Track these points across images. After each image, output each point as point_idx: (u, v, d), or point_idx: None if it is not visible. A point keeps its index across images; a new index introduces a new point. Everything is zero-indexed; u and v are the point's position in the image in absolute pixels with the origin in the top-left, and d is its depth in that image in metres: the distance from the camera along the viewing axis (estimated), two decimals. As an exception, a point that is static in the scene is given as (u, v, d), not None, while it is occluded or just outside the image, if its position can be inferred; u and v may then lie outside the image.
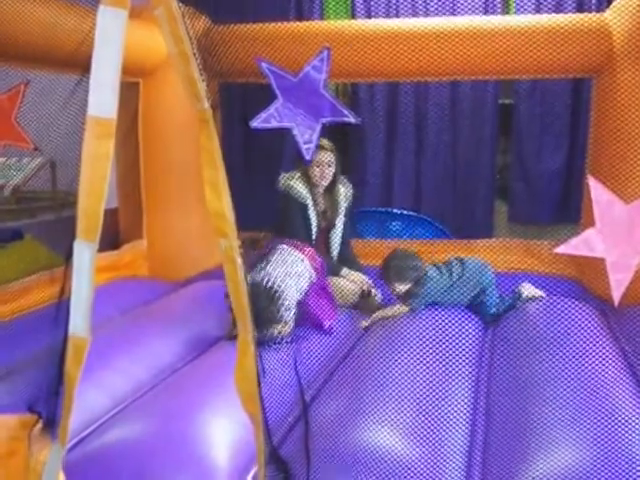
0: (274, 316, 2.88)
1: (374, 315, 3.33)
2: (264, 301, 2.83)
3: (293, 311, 2.99)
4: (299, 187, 3.77)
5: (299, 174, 3.79)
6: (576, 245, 1.27)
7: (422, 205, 5.27)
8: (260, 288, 2.88)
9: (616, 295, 1.25)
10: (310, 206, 3.79)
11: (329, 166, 3.78)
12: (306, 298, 3.17)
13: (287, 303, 2.96)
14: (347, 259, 3.94)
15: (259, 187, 4.14)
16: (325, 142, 3.76)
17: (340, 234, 3.94)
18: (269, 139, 4.78)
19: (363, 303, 3.61)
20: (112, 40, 1.38)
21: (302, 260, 3.22)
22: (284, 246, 3.24)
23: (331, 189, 3.88)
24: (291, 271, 3.08)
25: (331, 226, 3.91)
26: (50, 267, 1.76)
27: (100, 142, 1.42)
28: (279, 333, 2.89)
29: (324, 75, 1.40)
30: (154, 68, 4.13)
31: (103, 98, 1.40)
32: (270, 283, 2.91)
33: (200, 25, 1.45)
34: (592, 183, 1.25)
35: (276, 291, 2.94)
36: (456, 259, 3.48)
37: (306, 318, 3.13)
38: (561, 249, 1.27)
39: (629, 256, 1.24)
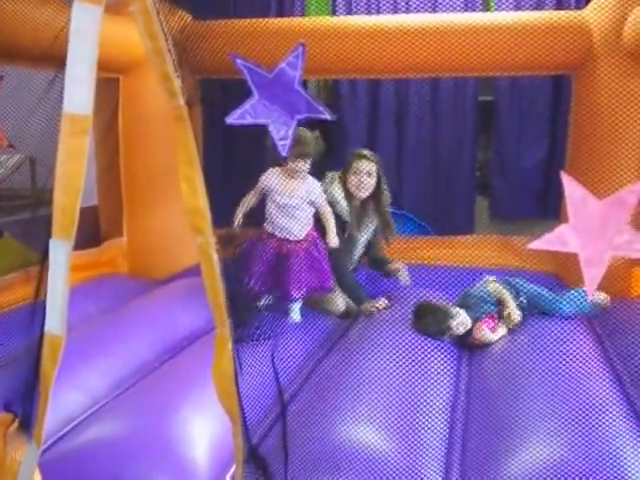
0: None
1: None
2: None
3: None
4: (339, 197, 3.57)
5: (338, 179, 3.62)
6: (550, 240, 1.28)
7: (403, 201, 5.28)
8: None
9: (589, 290, 1.26)
10: (345, 218, 3.59)
11: (368, 176, 3.59)
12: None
13: None
14: (376, 259, 3.89)
15: (239, 184, 4.13)
16: (367, 152, 3.65)
17: (364, 243, 3.81)
18: (250, 136, 4.76)
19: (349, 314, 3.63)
20: (87, 36, 1.37)
21: None
22: None
23: (374, 201, 3.70)
24: None
25: (358, 235, 3.75)
26: (26, 266, 1.74)
27: (75, 139, 1.40)
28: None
29: (299, 71, 1.39)
30: (134, 64, 4.10)
31: (78, 95, 1.38)
32: None
33: (176, 21, 1.44)
34: (565, 179, 1.26)
35: None
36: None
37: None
38: (535, 244, 1.28)
39: (602, 251, 1.25)
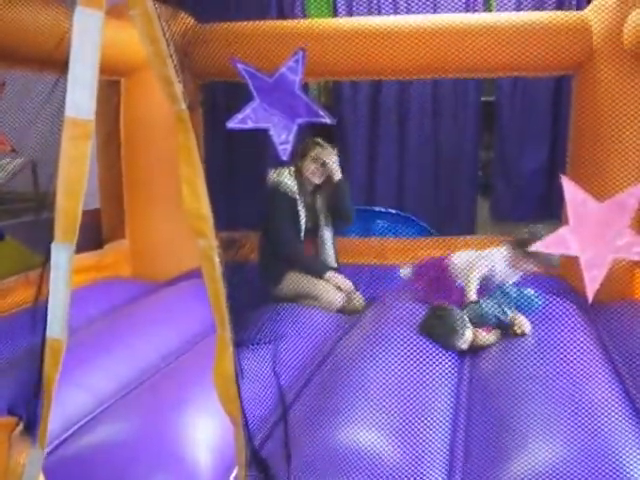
0: None
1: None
2: None
3: None
4: (289, 182, 3.72)
5: (288, 170, 3.76)
6: (550, 243, 1.28)
7: (405, 203, 5.28)
8: None
9: (590, 292, 1.26)
10: (299, 201, 3.74)
11: (323, 165, 3.74)
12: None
13: None
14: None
15: (242, 187, 4.14)
16: (322, 140, 3.77)
17: (332, 235, 3.91)
18: (253, 140, 4.77)
19: (348, 307, 3.65)
20: (89, 41, 1.38)
21: None
22: None
23: (324, 189, 3.85)
24: None
25: (319, 226, 3.87)
26: (27, 269, 1.75)
27: (78, 143, 1.41)
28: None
29: (299, 76, 1.40)
30: (136, 67, 4.11)
31: (81, 99, 1.39)
32: None
33: (178, 25, 1.44)
34: (565, 182, 1.26)
35: None
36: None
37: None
38: (535, 247, 1.28)
39: (603, 254, 1.25)
